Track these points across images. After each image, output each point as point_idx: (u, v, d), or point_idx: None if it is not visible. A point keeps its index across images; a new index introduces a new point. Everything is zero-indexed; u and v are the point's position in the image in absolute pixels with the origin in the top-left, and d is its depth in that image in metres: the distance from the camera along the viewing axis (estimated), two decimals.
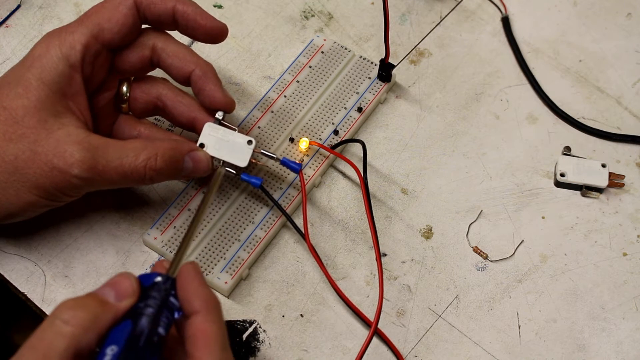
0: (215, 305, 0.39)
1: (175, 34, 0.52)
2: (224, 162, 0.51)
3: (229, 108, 0.51)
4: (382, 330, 0.50)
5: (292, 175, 0.54)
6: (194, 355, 0.37)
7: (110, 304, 0.38)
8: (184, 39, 0.53)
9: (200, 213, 0.46)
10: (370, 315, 0.50)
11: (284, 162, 0.53)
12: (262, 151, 0.52)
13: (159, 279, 0.39)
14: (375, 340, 0.50)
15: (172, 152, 0.48)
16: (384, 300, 0.52)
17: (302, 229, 0.52)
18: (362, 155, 0.54)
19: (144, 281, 0.39)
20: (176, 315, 0.39)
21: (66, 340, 0.35)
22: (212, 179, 0.49)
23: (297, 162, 0.54)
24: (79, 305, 0.37)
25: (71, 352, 0.35)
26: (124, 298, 0.38)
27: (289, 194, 0.54)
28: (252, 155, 0.51)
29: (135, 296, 0.38)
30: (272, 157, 0.52)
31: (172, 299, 0.39)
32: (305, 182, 0.55)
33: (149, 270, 0.52)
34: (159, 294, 0.39)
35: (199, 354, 0.37)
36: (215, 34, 0.51)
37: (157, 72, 0.53)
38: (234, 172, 0.51)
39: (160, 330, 0.38)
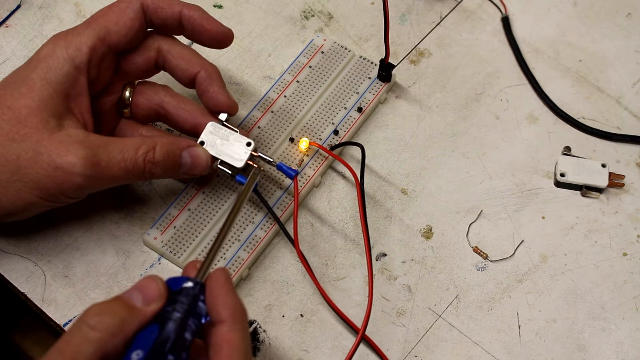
0: (242, 316, 0.39)
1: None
2: (221, 161, 0.51)
3: (232, 111, 0.51)
4: (370, 337, 0.50)
5: (289, 179, 0.54)
6: None
7: (137, 308, 0.38)
8: (184, 40, 0.53)
9: (233, 215, 0.44)
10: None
11: (280, 167, 0.52)
12: (260, 154, 0.52)
13: (189, 284, 0.39)
14: (366, 347, 0.50)
15: (170, 146, 0.48)
16: (384, 300, 0.52)
17: (293, 236, 0.52)
18: (361, 157, 0.54)
19: (172, 285, 0.39)
20: (203, 321, 0.39)
21: (93, 346, 0.36)
22: (249, 177, 0.48)
23: (296, 165, 0.54)
24: (106, 310, 0.37)
25: (98, 357, 0.36)
26: (151, 302, 0.38)
27: (285, 198, 0.54)
28: (250, 157, 0.51)
29: (162, 300, 0.38)
30: (269, 162, 0.52)
31: (200, 304, 0.39)
32: (305, 182, 0.55)
33: (149, 270, 0.52)
34: (187, 298, 0.38)
35: None
36: (221, 39, 0.51)
37: (161, 75, 0.54)
38: (230, 172, 0.51)
39: (187, 335, 0.38)
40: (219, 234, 0.43)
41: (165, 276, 0.40)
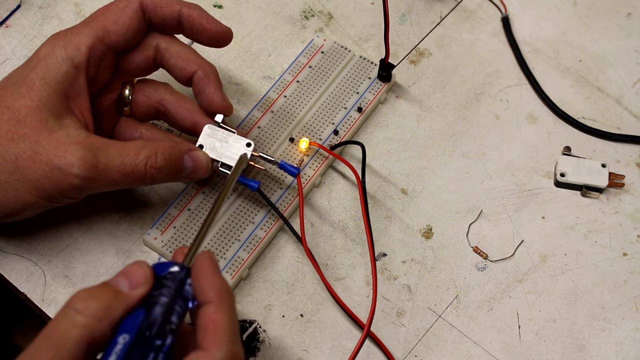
0: (227, 296, 0.39)
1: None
2: (222, 163, 0.51)
3: (226, 112, 0.51)
4: (375, 334, 0.50)
5: (291, 177, 0.54)
6: (202, 346, 0.37)
7: (123, 293, 0.38)
8: (184, 39, 0.53)
9: (220, 200, 0.45)
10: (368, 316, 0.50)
11: (282, 166, 0.53)
12: (261, 154, 0.52)
13: (175, 268, 0.39)
14: (371, 343, 0.50)
15: (172, 151, 0.48)
16: (384, 300, 0.52)
17: (300, 232, 0.52)
18: (361, 156, 0.54)
19: (159, 270, 0.39)
20: (190, 305, 0.39)
21: (79, 330, 0.36)
22: (236, 165, 0.49)
23: (296, 165, 0.54)
24: (92, 295, 0.37)
25: (85, 341, 0.36)
26: (137, 287, 0.38)
27: (287, 197, 0.54)
28: (251, 157, 0.51)
29: (148, 284, 0.39)
30: (270, 161, 0.52)
31: (187, 288, 0.39)
32: (306, 182, 0.55)
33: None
34: (173, 283, 0.39)
35: (207, 345, 0.37)
36: (220, 38, 0.51)
37: (160, 74, 0.54)
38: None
39: (174, 319, 0.38)
40: (206, 219, 0.43)
41: None
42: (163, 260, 0.52)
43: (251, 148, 0.51)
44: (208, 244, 0.52)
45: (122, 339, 0.36)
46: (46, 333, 0.36)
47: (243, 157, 0.50)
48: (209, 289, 0.39)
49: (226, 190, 0.46)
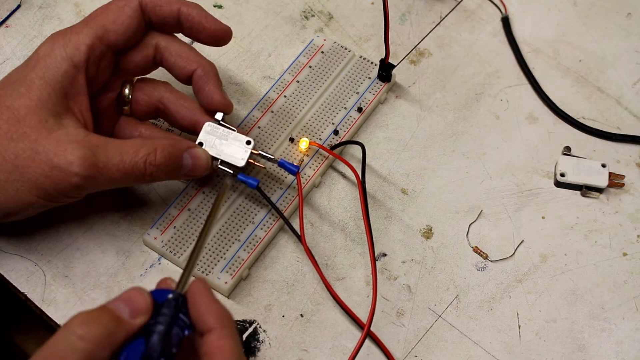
0: (229, 321, 0.38)
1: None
2: (222, 161, 0.51)
3: (226, 110, 0.51)
4: (375, 334, 0.50)
5: (291, 176, 0.54)
6: None
7: (124, 320, 0.37)
8: (185, 39, 0.53)
9: (207, 227, 0.42)
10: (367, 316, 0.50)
11: (282, 164, 0.53)
12: (261, 152, 0.52)
13: (170, 295, 0.39)
14: (370, 343, 0.50)
15: (172, 149, 0.48)
16: (384, 300, 0.52)
17: (299, 232, 0.52)
18: (361, 156, 0.54)
19: (156, 297, 0.39)
20: (186, 333, 0.38)
21: (80, 356, 0.35)
22: (219, 192, 0.47)
23: (296, 164, 0.54)
24: (93, 320, 0.36)
25: None
26: (138, 315, 0.38)
27: (287, 196, 0.54)
28: (250, 155, 0.51)
29: (149, 314, 0.38)
30: (270, 159, 0.52)
31: (181, 316, 0.39)
32: (306, 182, 0.55)
33: (149, 270, 0.52)
34: (169, 310, 0.38)
35: None
36: (220, 36, 0.51)
37: (160, 73, 0.54)
38: (231, 171, 0.51)
39: (173, 348, 0.38)
40: (195, 245, 0.41)
41: (166, 276, 0.40)
42: (163, 260, 0.52)
43: (251, 146, 0.51)
44: (208, 243, 0.52)
45: None
46: (45, 355, 0.36)
47: (226, 185, 0.45)
48: (209, 315, 0.38)
49: (212, 218, 0.42)
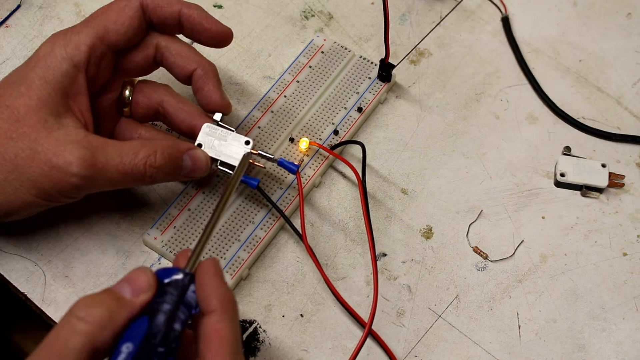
0: (231, 306, 0.38)
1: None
2: (221, 162, 0.51)
3: (225, 110, 0.51)
4: (376, 332, 0.50)
5: (291, 176, 0.54)
6: (205, 356, 0.37)
7: (126, 299, 0.37)
8: (185, 39, 0.53)
9: (223, 202, 0.43)
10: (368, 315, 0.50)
11: (281, 163, 0.53)
12: (260, 152, 0.52)
13: (178, 275, 0.39)
14: (371, 342, 0.50)
15: (171, 150, 0.48)
16: (384, 300, 0.52)
17: (300, 230, 0.52)
18: (361, 156, 0.54)
19: (162, 276, 0.39)
20: (193, 312, 0.39)
21: (82, 338, 0.35)
22: (239, 165, 0.48)
23: (296, 163, 0.54)
24: (95, 302, 0.37)
25: (87, 349, 0.35)
26: (140, 293, 0.38)
27: (287, 196, 0.54)
28: (250, 155, 0.51)
29: (151, 291, 0.38)
30: (269, 158, 0.52)
31: (190, 295, 0.39)
32: (306, 182, 0.55)
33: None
34: (176, 289, 0.38)
35: (210, 355, 0.37)
36: (221, 38, 0.51)
37: (160, 74, 0.54)
38: (231, 172, 0.51)
39: (177, 326, 0.38)
40: (209, 222, 0.42)
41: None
42: (163, 260, 0.52)
43: (250, 146, 0.51)
44: (208, 244, 0.52)
45: (126, 348, 0.36)
46: (48, 341, 0.36)
47: (246, 156, 0.50)
48: (213, 298, 0.38)
49: (230, 190, 0.45)
